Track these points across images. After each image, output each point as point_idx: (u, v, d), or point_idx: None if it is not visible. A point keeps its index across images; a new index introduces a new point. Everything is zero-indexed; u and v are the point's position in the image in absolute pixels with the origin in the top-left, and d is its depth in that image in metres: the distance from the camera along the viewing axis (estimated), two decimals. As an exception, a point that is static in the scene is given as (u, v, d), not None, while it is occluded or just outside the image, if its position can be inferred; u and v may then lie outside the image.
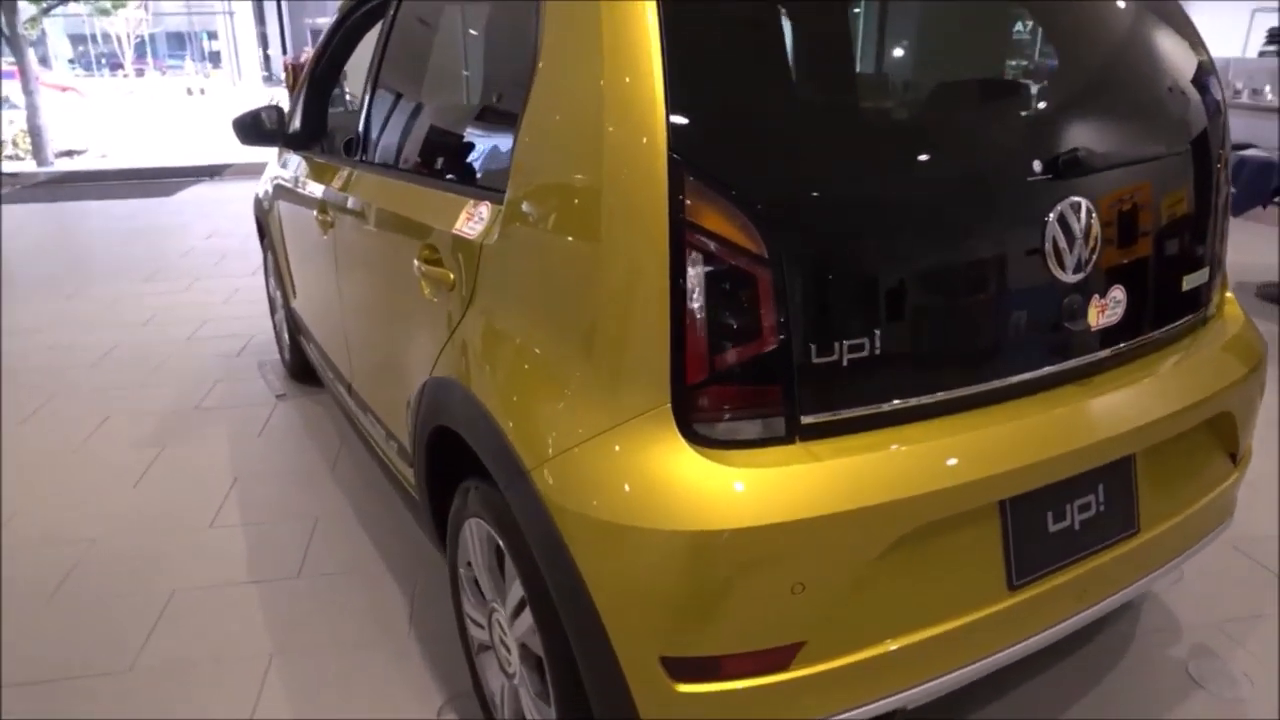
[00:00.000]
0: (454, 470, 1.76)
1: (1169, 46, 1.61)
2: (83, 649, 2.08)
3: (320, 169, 2.46)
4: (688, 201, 1.15)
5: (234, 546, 2.52)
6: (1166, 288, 1.57)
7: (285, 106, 3.04)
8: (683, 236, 1.16)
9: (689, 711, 1.23)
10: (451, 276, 1.55)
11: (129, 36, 35.18)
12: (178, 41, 40.54)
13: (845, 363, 1.23)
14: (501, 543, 1.48)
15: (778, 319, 1.19)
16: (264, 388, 3.69)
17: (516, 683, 1.58)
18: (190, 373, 3.85)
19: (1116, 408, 1.45)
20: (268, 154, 3.41)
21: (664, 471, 1.19)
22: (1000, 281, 1.35)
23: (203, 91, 27.70)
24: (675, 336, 1.18)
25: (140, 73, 36.51)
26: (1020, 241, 1.35)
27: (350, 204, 2.14)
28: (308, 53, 15.36)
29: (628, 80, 1.18)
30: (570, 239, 1.27)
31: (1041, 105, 1.51)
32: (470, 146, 1.79)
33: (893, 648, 1.28)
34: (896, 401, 1.28)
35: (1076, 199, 1.37)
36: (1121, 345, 1.50)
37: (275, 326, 3.88)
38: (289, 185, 2.91)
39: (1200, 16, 1.90)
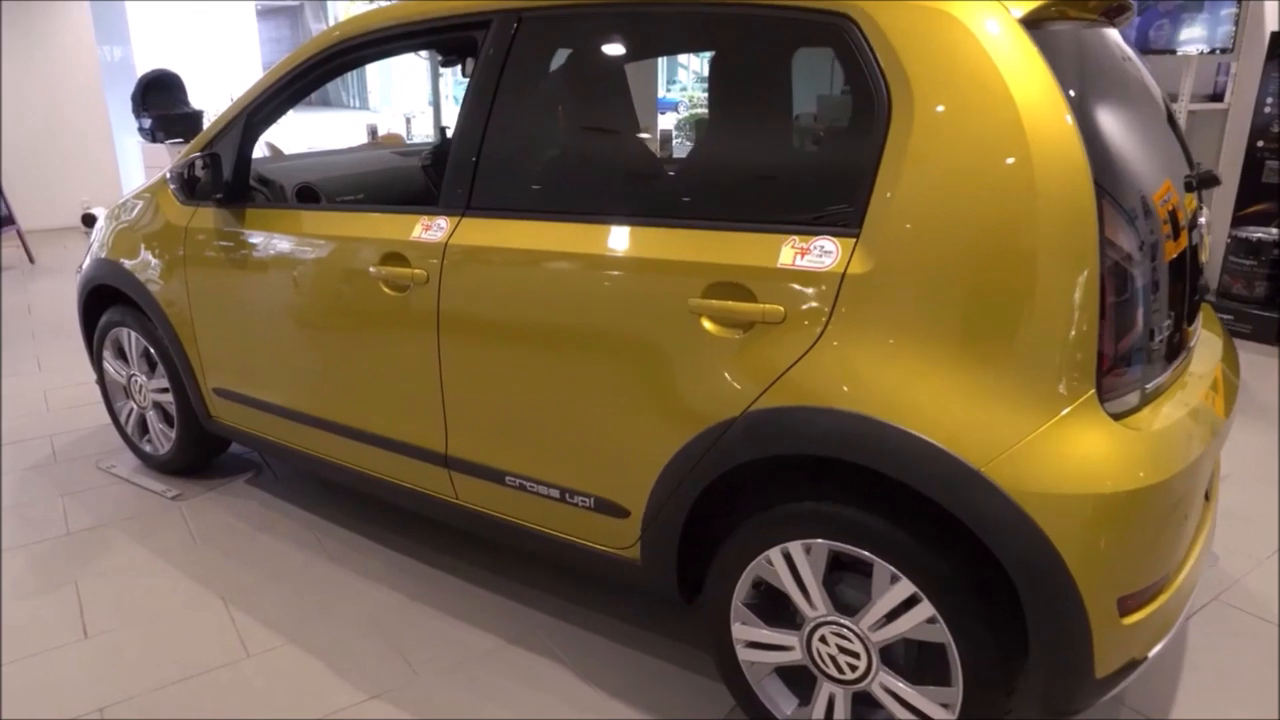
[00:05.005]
0: (717, 510, 1.79)
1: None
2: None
3: (375, 221, 2.18)
4: (1105, 220, 1.42)
5: (308, 670, 2.13)
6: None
7: None
8: (1104, 250, 1.42)
9: (1127, 640, 1.49)
10: (781, 309, 1.60)
11: None
12: None
13: (1156, 344, 1.58)
14: (873, 555, 1.58)
15: (1143, 310, 1.51)
16: (137, 493, 3.01)
17: (866, 685, 1.68)
18: (6, 494, 2.98)
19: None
20: None
21: (1113, 443, 1.44)
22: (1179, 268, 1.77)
23: None
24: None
25: None
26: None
27: (485, 254, 1.97)
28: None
29: (1045, 117, 1.41)
30: (994, 263, 1.44)
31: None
32: (770, 185, 1.80)
33: (1189, 565, 1.67)
34: (1169, 372, 1.65)
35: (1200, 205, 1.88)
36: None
37: (124, 417, 3.16)
38: (243, 244, 2.48)
39: None
